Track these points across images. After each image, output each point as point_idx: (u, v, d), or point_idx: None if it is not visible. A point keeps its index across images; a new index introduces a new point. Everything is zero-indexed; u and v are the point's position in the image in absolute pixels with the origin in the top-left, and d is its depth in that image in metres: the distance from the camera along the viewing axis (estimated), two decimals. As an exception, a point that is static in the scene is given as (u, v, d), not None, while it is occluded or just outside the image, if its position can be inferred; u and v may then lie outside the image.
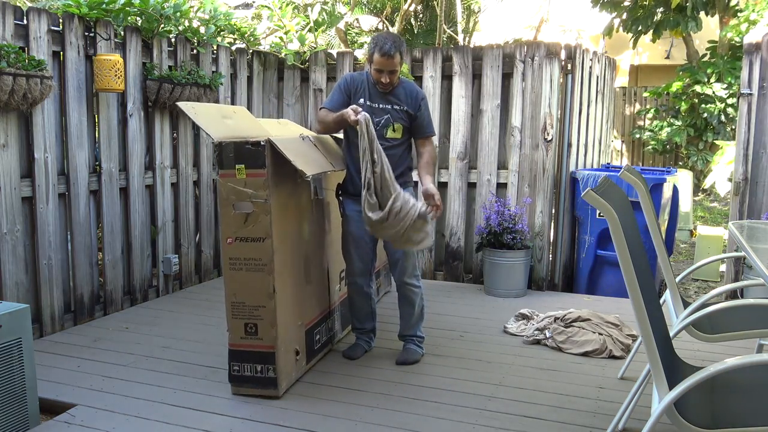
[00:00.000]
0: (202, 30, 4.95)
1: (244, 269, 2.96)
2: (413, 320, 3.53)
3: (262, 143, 2.87)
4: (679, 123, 9.91)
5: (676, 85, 9.86)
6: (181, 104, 3.04)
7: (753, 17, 8.85)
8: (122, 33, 4.21)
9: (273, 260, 2.92)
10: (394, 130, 3.37)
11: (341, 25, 8.52)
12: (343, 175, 3.48)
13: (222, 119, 3.25)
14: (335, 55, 5.64)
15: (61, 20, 3.80)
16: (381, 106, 3.36)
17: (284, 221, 3.05)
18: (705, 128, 9.78)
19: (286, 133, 3.80)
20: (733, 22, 9.44)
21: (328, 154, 3.38)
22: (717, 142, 8.93)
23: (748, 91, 4.54)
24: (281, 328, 3.00)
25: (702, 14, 9.94)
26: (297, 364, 3.19)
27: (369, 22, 11.13)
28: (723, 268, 5.73)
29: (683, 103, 9.76)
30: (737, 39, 9.19)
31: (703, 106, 9.62)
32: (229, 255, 2.98)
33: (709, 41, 10.77)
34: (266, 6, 5.96)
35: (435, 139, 3.65)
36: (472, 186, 5.20)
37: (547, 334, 3.79)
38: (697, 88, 9.62)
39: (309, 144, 3.27)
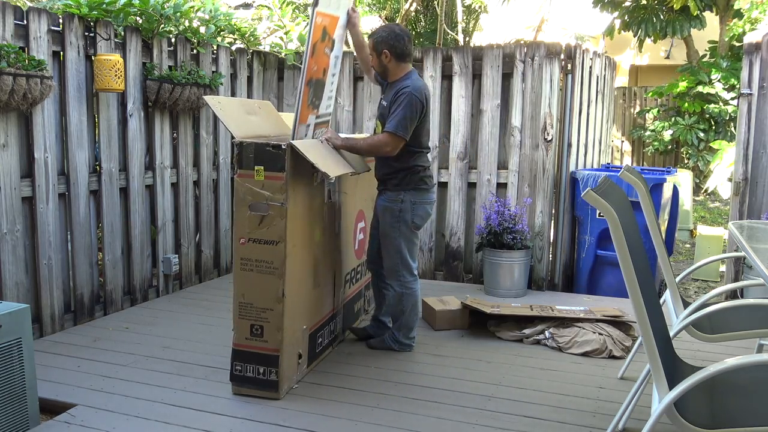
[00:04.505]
0: (202, 30, 4.95)
1: (255, 270, 2.95)
2: (393, 316, 3.65)
3: (283, 146, 2.85)
4: (684, 122, 9.91)
5: (681, 86, 9.86)
6: (208, 98, 3.04)
7: (755, 15, 8.86)
8: (122, 33, 4.21)
9: (285, 264, 2.92)
10: (376, 130, 3.41)
11: None
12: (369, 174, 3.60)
13: (246, 115, 3.25)
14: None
15: (61, 20, 3.80)
16: (381, 102, 3.43)
17: (298, 225, 3.04)
18: (709, 128, 9.79)
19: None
20: (735, 21, 9.44)
21: (345, 156, 3.38)
22: (714, 144, 8.94)
23: (748, 91, 4.54)
24: (287, 332, 3.00)
25: (704, 13, 9.95)
26: (299, 368, 3.19)
27: (371, 23, 11.15)
28: (723, 268, 5.73)
29: (687, 104, 9.75)
30: (739, 38, 9.19)
31: (707, 106, 9.62)
32: (240, 255, 2.97)
33: (709, 41, 10.77)
34: (266, 6, 5.96)
35: (394, 140, 3.26)
36: (472, 186, 5.20)
37: (547, 334, 3.79)
38: (700, 88, 9.63)
39: (327, 146, 3.27)
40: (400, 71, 3.37)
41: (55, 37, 3.76)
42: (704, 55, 10.70)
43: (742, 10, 9.97)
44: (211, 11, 4.89)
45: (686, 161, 10.09)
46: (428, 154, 3.57)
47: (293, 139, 3.00)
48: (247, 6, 7.59)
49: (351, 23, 3.42)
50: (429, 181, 3.52)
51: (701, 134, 9.75)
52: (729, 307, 2.62)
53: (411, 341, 3.64)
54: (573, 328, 3.79)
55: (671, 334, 2.35)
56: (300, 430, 2.72)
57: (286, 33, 5.66)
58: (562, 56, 4.89)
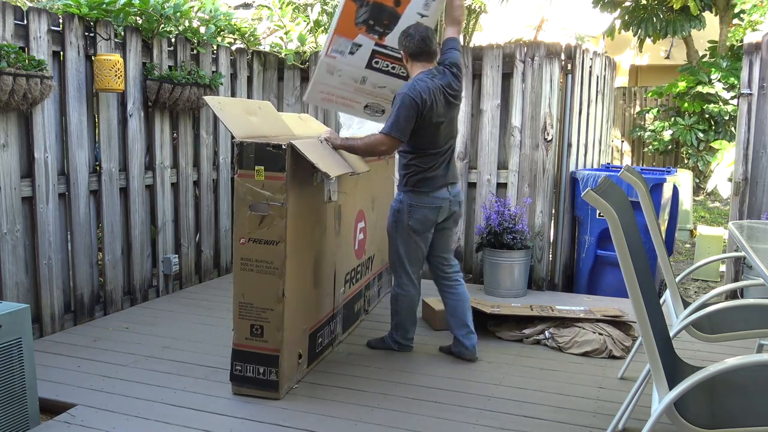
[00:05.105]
0: (202, 30, 4.95)
1: (255, 271, 2.95)
2: (391, 315, 3.64)
3: (283, 146, 2.85)
4: (684, 122, 9.90)
5: (681, 85, 9.85)
6: (208, 98, 3.04)
7: (755, 18, 8.87)
8: (122, 33, 4.21)
9: (285, 264, 2.91)
10: None
11: None
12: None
13: (246, 116, 3.25)
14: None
15: (61, 20, 3.80)
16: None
17: (298, 225, 3.04)
18: (709, 128, 9.79)
19: (307, 130, 3.81)
20: (735, 22, 9.45)
21: (345, 157, 3.38)
22: (714, 144, 8.93)
23: (748, 91, 4.54)
24: (287, 332, 2.99)
25: (704, 13, 9.95)
26: (299, 368, 3.19)
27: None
28: (723, 268, 5.73)
29: (686, 104, 9.75)
30: (738, 41, 9.20)
31: (707, 106, 9.62)
32: (240, 255, 2.97)
33: (709, 41, 10.77)
34: (266, 6, 5.96)
35: (388, 140, 3.20)
36: (472, 186, 5.20)
37: (547, 334, 3.79)
38: (699, 88, 9.62)
39: (327, 146, 3.28)
40: (415, 71, 3.32)
41: (55, 37, 3.76)
42: (704, 55, 10.69)
43: (742, 14, 9.97)
44: (211, 11, 4.89)
45: (686, 161, 10.09)
46: (437, 156, 3.36)
47: (326, 50, 2.97)
48: (247, 6, 7.59)
49: None
50: (430, 183, 3.35)
51: (701, 134, 9.74)
52: (729, 307, 2.62)
53: (410, 342, 3.65)
54: (573, 328, 3.79)
55: (671, 334, 2.35)
56: (300, 430, 2.73)
57: (286, 33, 5.66)
58: (562, 56, 4.89)
